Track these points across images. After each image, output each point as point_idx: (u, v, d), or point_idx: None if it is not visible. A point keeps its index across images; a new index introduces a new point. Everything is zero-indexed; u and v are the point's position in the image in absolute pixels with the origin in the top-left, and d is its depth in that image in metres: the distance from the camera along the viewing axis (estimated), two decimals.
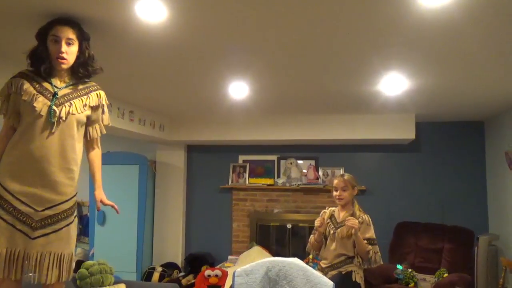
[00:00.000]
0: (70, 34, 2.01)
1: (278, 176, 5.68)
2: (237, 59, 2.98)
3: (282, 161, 5.71)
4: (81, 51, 2.08)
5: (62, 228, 2.00)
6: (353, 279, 3.06)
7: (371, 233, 3.09)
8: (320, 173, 5.54)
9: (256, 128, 5.29)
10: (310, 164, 5.58)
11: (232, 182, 5.76)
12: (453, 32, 2.39)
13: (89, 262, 3.42)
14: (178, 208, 5.90)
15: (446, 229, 4.72)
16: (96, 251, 5.65)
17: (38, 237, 1.95)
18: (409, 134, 4.92)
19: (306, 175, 5.56)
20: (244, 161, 5.84)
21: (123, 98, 4.28)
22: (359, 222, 3.04)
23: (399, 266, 4.41)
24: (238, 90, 3.81)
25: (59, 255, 1.98)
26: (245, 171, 5.76)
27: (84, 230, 6.03)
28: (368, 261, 3.08)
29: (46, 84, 2.03)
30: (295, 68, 3.18)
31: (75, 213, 2.11)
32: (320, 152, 5.62)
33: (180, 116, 5.37)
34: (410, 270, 4.39)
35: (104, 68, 3.17)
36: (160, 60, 2.98)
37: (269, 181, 5.65)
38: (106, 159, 5.68)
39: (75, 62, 2.07)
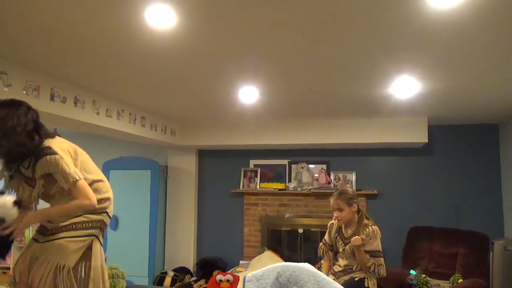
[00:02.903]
0: None
1: (289, 181, 5.66)
2: (247, 64, 2.98)
3: (293, 166, 5.70)
4: (4, 140, 1.95)
5: (65, 238, 2.04)
6: (366, 285, 3.02)
7: (374, 246, 3.03)
8: (332, 177, 5.51)
9: (267, 133, 5.29)
10: (322, 169, 5.56)
11: (243, 186, 5.76)
12: (464, 34, 2.36)
13: None
14: (189, 212, 5.91)
15: (461, 234, 4.65)
16: (109, 255, 5.69)
17: (44, 242, 2.05)
18: (421, 137, 4.87)
19: (317, 180, 5.53)
20: (255, 165, 5.83)
21: (135, 103, 4.32)
22: (364, 235, 3.03)
23: (412, 272, 4.35)
24: (248, 94, 3.81)
25: (54, 262, 2.00)
26: (256, 176, 5.76)
27: None
28: (370, 274, 3.04)
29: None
30: (306, 72, 3.17)
31: (89, 232, 2.09)
32: (332, 156, 5.59)
33: (191, 121, 5.40)
34: (423, 275, 4.32)
35: (114, 74, 3.23)
36: (170, 65, 3.00)
37: (280, 185, 5.63)
38: (119, 164, 5.79)
39: (8, 150, 1.98)
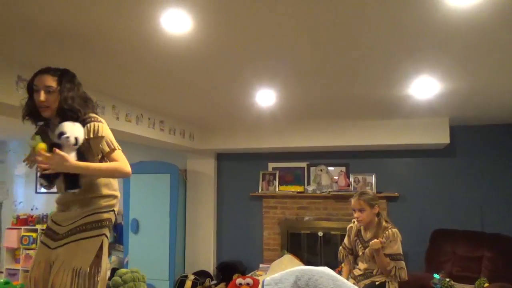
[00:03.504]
0: (50, 81, 1.98)
1: (308, 183, 5.62)
2: (264, 67, 2.98)
3: (312, 168, 5.66)
4: (63, 97, 1.99)
5: (77, 240, 2.01)
6: None
7: (394, 249, 2.98)
8: (351, 179, 5.44)
9: (285, 135, 5.27)
10: (341, 171, 5.50)
11: (262, 189, 5.75)
12: (484, 32, 2.30)
13: (123, 270, 3.49)
14: (209, 216, 5.94)
15: (486, 237, 4.53)
16: (130, 259, 5.76)
17: (56, 247, 2.03)
18: (443, 138, 4.77)
19: (337, 182, 5.48)
20: (273, 168, 5.82)
21: (153, 108, 4.37)
22: (383, 237, 2.97)
23: (436, 276, 4.25)
24: (266, 97, 3.81)
25: (70, 267, 1.97)
26: (275, 179, 5.74)
27: (119, 238, 6.17)
28: (391, 277, 2.99)
29: (49, 132, 2.06)
30: (324, 74, 3.15)
31: (100, 231, 2.07)
32: (351, 159, 5.52)
33: (210, 124, 5.43)
34: (448, 279, 4.21)
35: (133, 79, 3.27)
36: (187, 70, 3.02)
37: (299, 188, 5.60)
38: (139, 168, 5.85)
39: (60, 108, 2.00)
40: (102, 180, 2.13)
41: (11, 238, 6.38)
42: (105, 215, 2.10)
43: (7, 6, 1.99)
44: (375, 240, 2.95)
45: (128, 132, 4.08)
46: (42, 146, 1.88)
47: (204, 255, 5.89)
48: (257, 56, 2.74)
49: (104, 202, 2.11)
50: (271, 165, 5.84)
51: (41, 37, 2.36)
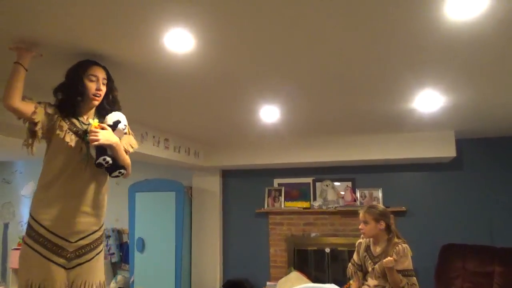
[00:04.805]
0: (104, 74, 2.17)
1: (314, 199, 5.58)
2: (267, 83, 2.99)
3: (317, 184, 5.62)
4: (109, 90, 2.21)
5: (92, 258, 2.10)
6: None
7: (405, 265, 2.93)
8: (358, 194, 5.40)
9: (290, 151, 5.25)
10: (347, 186, 5.46)
11: (268, 206, 5.71)
12: (487, 44, 2.30)
13: None
14: (215, 233, 5.90)
15: (496, 251, 4.45)
16: (136, 278, 5.71)
17: (73, 267, 2.03)
18: (449, 151, 4.73)
19: (343, 197, 5.43)
20: (279, 184, 5.79)
21: (158, 126, 4.38)
22: (394, 253, 2.92)
23: None
24: (270, 114, 3.81)
25: (92, 282, 2.07)
26: (280, 195, 5.71)
27: (125, 258, 6.13)
28: None
29: (75, 121, 2.11)
30: (327, 90, 3.15)
31: (103, 244, 2.23)
32: (357, 173, 5.49)
33: (214, 141, 5.43)
34: None
35: (137, 98, 3.30)
36: (191, 88, 3.04)
37: (305, 204, 5.56)
38: (144, 186, 5.86)
39: (103, 100, 2.19)
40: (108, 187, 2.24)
41: (17, 259, 6.35)
42: (103, 228, 2.23)
43: (9, 26, 2.02)
44: (389, 258, 2.89)
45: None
46: (96, 123, 2.07)
47: (210, 273, 5.83)
48: (261, 73, 2.75)
49: (104, 212, 2.20)
50: (276, 181, 5.82)
51: (44, 59, 2.39)
